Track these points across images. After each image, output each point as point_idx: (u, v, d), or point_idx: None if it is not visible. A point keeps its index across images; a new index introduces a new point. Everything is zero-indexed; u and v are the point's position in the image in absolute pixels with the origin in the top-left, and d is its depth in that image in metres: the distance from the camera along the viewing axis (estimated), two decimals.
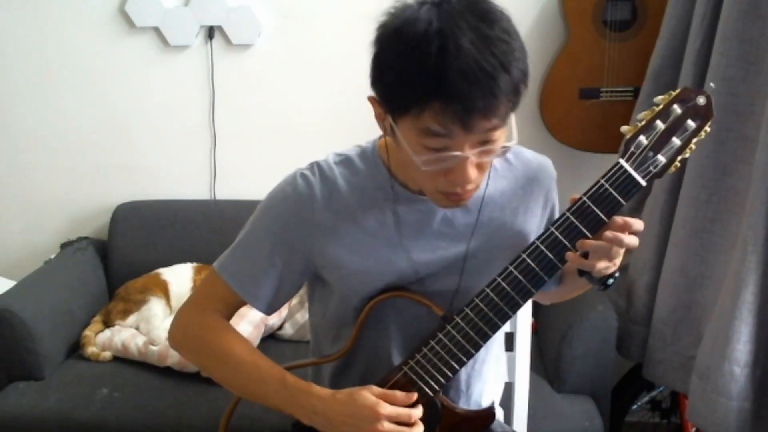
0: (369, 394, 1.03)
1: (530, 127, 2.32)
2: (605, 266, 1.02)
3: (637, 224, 1.00)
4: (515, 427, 1.49)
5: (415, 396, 1.06)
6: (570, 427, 1.84)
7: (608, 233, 0.99)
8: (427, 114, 0.92)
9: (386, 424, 1.01)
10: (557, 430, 1.82)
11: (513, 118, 0.99)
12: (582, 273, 1.08)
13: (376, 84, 0.99)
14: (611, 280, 1.05)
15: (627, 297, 2.03)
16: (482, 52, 0.90)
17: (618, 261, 1.03)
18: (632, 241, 1.00)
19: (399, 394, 1.05)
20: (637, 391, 2.17)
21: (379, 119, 1.04)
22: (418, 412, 1.05)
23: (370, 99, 1.03)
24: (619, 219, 0.99)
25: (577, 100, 2.14)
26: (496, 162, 1.17)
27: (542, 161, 1.22)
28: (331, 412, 1.03)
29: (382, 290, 1.12)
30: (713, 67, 1.65)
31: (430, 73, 0.90)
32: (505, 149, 1.00)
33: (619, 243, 0.98)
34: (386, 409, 1.01)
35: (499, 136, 0.97)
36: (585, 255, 1.08)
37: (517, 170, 1.18)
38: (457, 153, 0.95)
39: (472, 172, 0.97)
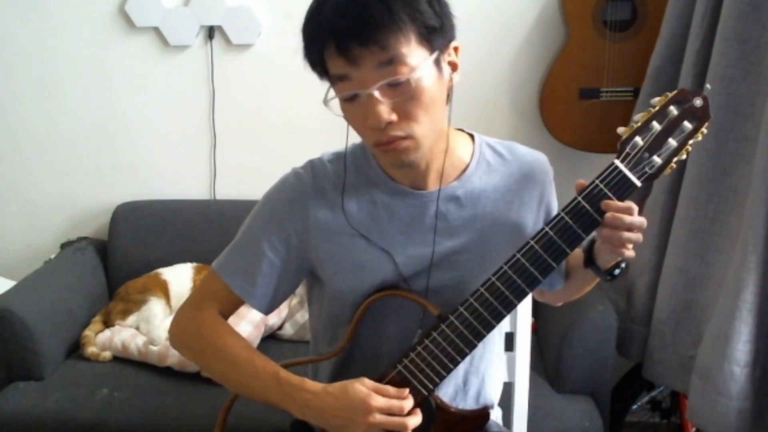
0: (361, 387, 1.03)
1: (530, 127, 2.32)
2: (619, 253, 1.00)
3: (630, 206, 0.98)
4: (515, 427, 1.49)
5: (406, 392, 1.06)
6: (570, 427, 1.83)
7: (608, 214, 0.98)
8: (327, 58, 0.99)
9: (378, 416, 1.01)
10: (557, 430, 1.82)
11: (444, 65, 1.02)
12: (588, 264, 1.08)
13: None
14: (618, 270, 1.05)
15: (627, 297, 2.03)
16: None
17: (630, 251, 1.02)
18: (635, 221, 0.97)
19: (391, 389, 1.05)
20: (637, 391, 2.17)
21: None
22: (409, 403, 1.04)
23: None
24: (608, 203, 0.98)
25: (577, 100, 2.14)
26: (490, 157, 1.18)
27: (537, 156, 1.21)
28: (324, 406, 1.04)
29: (377, 287, 1.13)
30: (713, 67, 1.65)
31: (312, 19, 0.99)
32: (423, 92, 0.99)
33: (620, 222, 0.97)
34: (378, 401, 1.02)
35: (409, 74, 0.97)
36: (590, 253, 1.08)
37: (511, 165, 1.18)
38: (359, 90, 0.98)
39: (383, 110, 0.98)
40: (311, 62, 1.03)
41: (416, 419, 1.05)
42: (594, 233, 1.03)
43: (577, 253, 1.10)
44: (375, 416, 1.01)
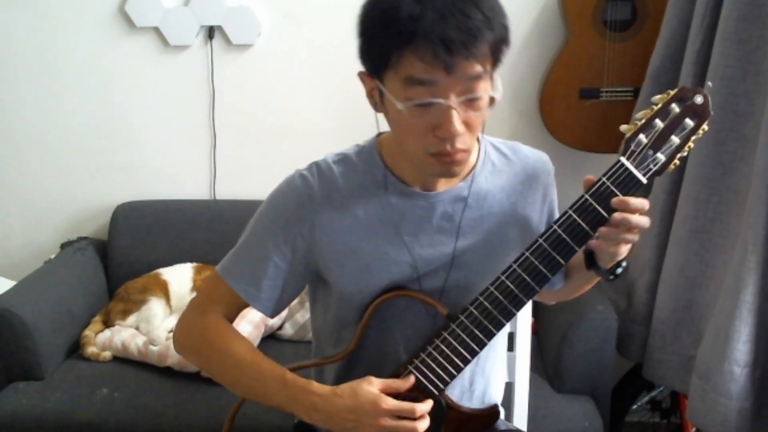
0: (370, 388, 1.02)
1: (530, 127, 2.32)
2: (615, 248, 1.01)
3: (637, 202, 0.98)
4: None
5: (412, 379, 1.06)
6: (570, 427, 1.83)
7: (616, 215, 0.98)
8: (408, 59, 0.94)
9: (389, 419, 1.01)
10: (557, 430, 1.82)
11: (498, 82, 1.01)
12: (590, 265, 1.08)
13: (362, 47, 1.01)
14: (620, 270, 1.06)
15: (627, 297, 2.03)
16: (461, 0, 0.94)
17: (626, 249, 1.03)
18: (641, 221, 0.98)
19: (399, 381, 1.05)
20: (637, 391, 2.18)
21: (370, 96, 1.06)
22: (425, 406, 1.04)
23: (360, 74, 1.05)
24: (622, 200, 0.98)
25: (577, 100, 2.14)
26: (494, 157, 1.18)
27: (540, 156, 1.22)
28: (333, 409, 1.03)
29: (384, 289, 1.12)
30: (713, 67, 1.65)
31: (407, 17, 0.93)
32: (493, 101, 1.00)
33: (628, 223, 0.97)
34: (388, 403, 1.01)
35: (483, 92, 0.98)
36: (590, 254, 1.08)
37: (515, 165, 1.19)
38: (441, 100, 0.96)
39: (459, 124, 0.97)
40: (374, 50, 0.99)
41: (425, 423, 1.04)
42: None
43: (578, 255, 1.11)
44: (386, 419, 1.01)
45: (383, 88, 1.01)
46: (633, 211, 0.98)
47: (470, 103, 0.98)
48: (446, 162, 1.02)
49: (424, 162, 1.04)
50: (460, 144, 1.00)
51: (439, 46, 0.92)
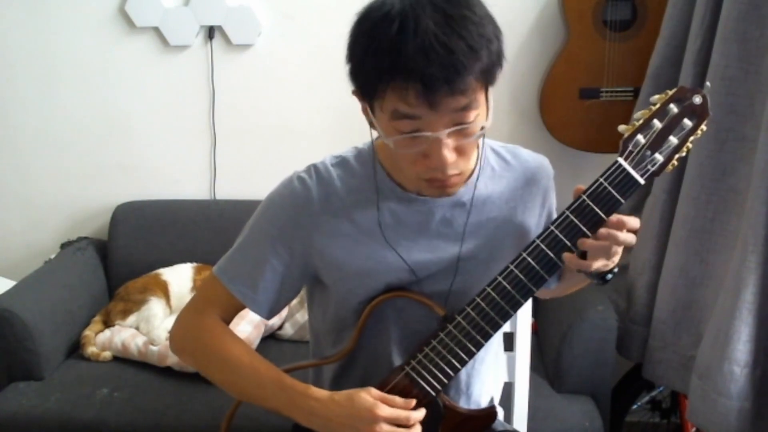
0: (368, 396, 1.03)
1: (530, 127, 2.32)
2: (603, 264, 1.02)
3: (633, 222, 0.99)
4: (515, 427, 1.49)
5: (413, 402, 1.06)
6: (570, 427, 1.83)
7: (603, 230, 0.99)
8: (391, 95, 0.93)
9: (384, 426, 1.01)
10: (557, 430, 1.82)
11: (491, 100, 0.99)
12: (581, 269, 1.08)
13: (350, 73, 1.00)
14: (610, 275, 1.06)
15: (627, 297, 2.03)
16: (444, 30, 0.90)
17: (616, 259, 1.03)
18: (628, 238, 0.99)
19: (398, 399, 1.04)
20: (637, 391, 2.17)
21: (364, 113, 1.05)
22: (419, 414, 1.04)
23: (353, 93, 1.04)
24: (614, 217, 0.99)
25: (577, 100, 2.14)
26: (494, 162, 1.18)
27: (540, 160, 1.22)
28: (330, 414, 1.03)
29: (382, 291, 1.12)
30: (713, 67, 1.65)
31: (388, 50, 0.91)
32: (483, 131, 0.99)
33: (615, 240, 0.98)
34: (385, 410, 1.01)
35: (475, 118, 0.97)
36: (583, 254, 1.08)
37: (515, 170, 1.18)
38: (428, 133, 0.95)
39: (449, 154, 0.97)
40: (362, 78, 0.98)
41: (418, 430, 1.04)
42: None
43: None
44: (381, 426, 1.01)
45: (372, 118, 1.01)
46: (627, 229, 0.99)
47: (460, 132, 0.97)
48: (439, 186, 1.03)
49: (419, 185, 1.05)
50: (452, 170, 1.00)
51: (420, 85, 0.90)
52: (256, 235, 1.15)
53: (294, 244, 1.13)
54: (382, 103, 0.96)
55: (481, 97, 0.96)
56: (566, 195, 1.09)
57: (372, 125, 1.05)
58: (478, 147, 1.17)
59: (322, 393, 1.06)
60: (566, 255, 1.01)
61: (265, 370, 1.10)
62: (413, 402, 1.06)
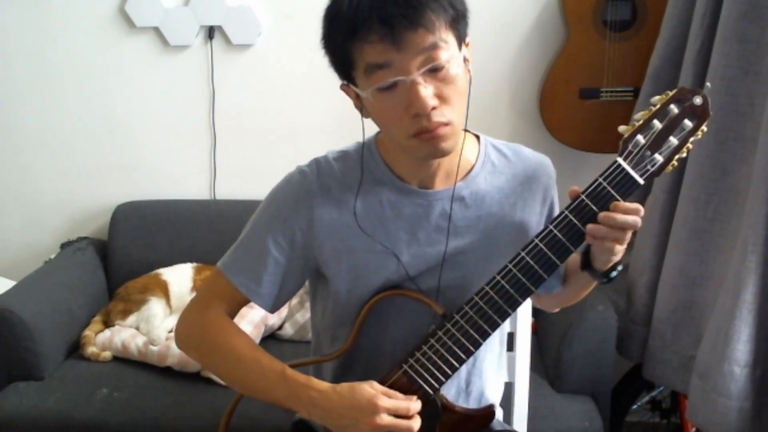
0: (369, 388, 1.03)
1: (530, 127, 2.32)
2: (607, 256, 1.02)
3: (627, 205, 0.98)
4: (515, 426, 1.49)
5: (414, 398, 1.06)
6: (570, 427, 1.83)
7: (601, 214, 0.98)
8: (359, 50, 0.97)
9: (385, 417, 1.01)
10: (557, 430, 1.82)
11: (467, 54, 1.03)
12: (584, 266, 1.08)
13: (330, 62, 1.05)
14: (614, 273, 1.06)
15: (627, 297, 2.03)
16: None
17: (620, 252, 1.03)
18: (628, 219, 0.98)
19: (399, 395, 1.05)
20: (637, 391, 2.17)
21: (356, 105, 1.08)
22: (416, 405, 1.05)
23: (341, 87, 1.07)
24: (614, 204, 0.99)
25: (577, 100, 2.14)
26: (495, 158, 1.18)
27: (541, 159, 1.22)
28: (331, 405, 1.03)
29: (381, 287, 1.13)
30: (713, 67, 1.65)
31: (345, 9, 0.96)
32: (451, 66, 1.00)
33: (613, 221, 0.97)
34: (385, 401, 1.02)
35: (449, 60, 0.98)
36: (584, 255, 1.08)
37: (515, 167, 1.18)
38: (402, 77, 0.97)
39: (426, 93, 0.98)
40: (335, 53, 1.02)
41: (418, 421, 1.04)
42: None
43: (575, 257, 1.11)
44: (382, 417, 1.01)
45: (357, 90, 1.03)
46: (629, 212, 0.98)
47: (434, 73, 0.98)
48: (429, 139, 1.01)
49: (411, 146, 1.04)
50: (436, 117, 1.00)
51: (379, 25, 0.94)
52: (258, 229, 1.16)
53: (295, 235, 1.13)
54: (357, 64, 0.99)
55: (449, 38, 0.99)
56: (565, 195, 1.09)
57: (363, 113, 1.08)
58: (479, 141, 1.17)
59: (323, 384, 1.06)
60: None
61: (267, 362, 1.10)
62: (414, 398, 1.06)
